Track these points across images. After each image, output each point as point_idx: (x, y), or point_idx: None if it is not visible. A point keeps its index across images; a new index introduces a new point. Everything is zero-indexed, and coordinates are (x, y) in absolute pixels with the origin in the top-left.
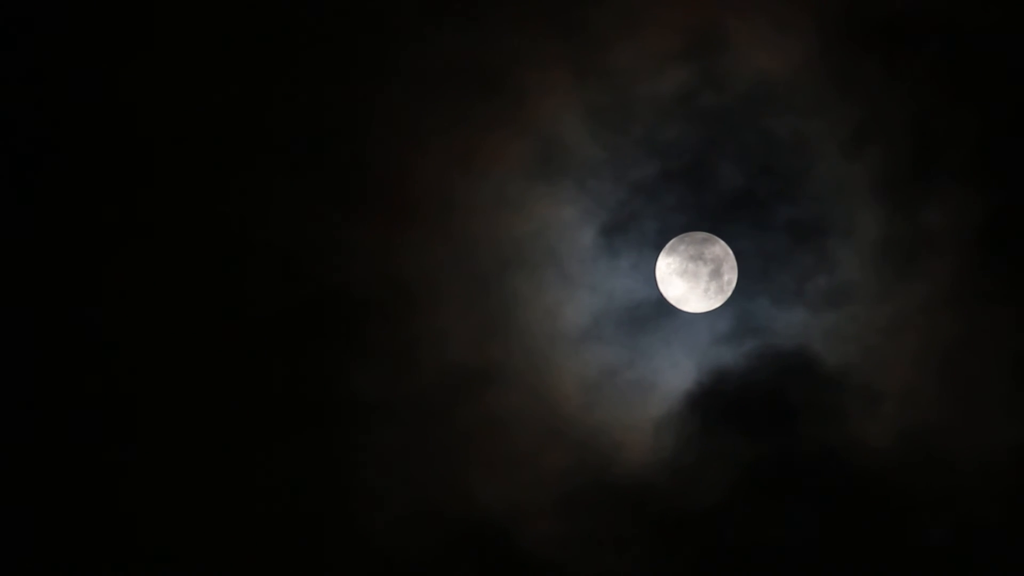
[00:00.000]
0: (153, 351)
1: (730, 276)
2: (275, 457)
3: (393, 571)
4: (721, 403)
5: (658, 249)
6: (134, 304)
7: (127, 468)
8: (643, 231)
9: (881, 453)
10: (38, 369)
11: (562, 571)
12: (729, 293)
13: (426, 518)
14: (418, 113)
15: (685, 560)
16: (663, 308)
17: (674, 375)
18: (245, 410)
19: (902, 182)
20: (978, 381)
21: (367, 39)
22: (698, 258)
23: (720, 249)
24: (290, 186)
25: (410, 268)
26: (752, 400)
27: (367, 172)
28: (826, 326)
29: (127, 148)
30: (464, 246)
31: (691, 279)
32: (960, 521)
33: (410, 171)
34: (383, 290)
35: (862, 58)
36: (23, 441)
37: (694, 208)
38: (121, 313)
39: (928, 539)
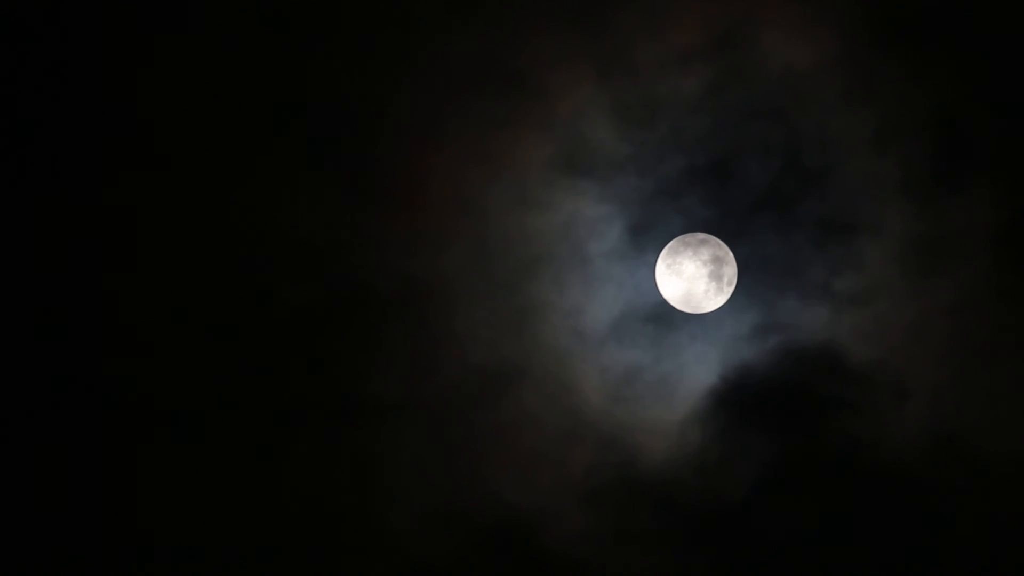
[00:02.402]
0: (174, 348)
1: (730, 276)
2: (297, 457)
3: (418, 570)
4: (747, 399)
5: (684, 246)
6: (155, 301)
7: (146, 466)
8: (668, 228)
9: (907, 449)
10: (57, 365)
11: (589, 568)
12: (729, 294)
13: (451, 517)
14: (441, 111)
15: (711, 556)
16: (685, 305)
17: (700, 372)
18: (267, 409)
19: (929, 180)
20: (1004, 378)
21: (392, 39)
22: (696, 259)
23: (720, 250)
24: (312, 185)
25: (433, 267)
26: (778, 396)
27: (389, 171)
28: (852, 323)
29: (149, 147)
30: (488, 244)
31: (690, 280)
32: (985, 517)
33: (433, 170)
34: (406, 289)
35: (889, 55)
36: (39, 438)
37: (720, 205)
38: (142, 310)
39: (954, 534)
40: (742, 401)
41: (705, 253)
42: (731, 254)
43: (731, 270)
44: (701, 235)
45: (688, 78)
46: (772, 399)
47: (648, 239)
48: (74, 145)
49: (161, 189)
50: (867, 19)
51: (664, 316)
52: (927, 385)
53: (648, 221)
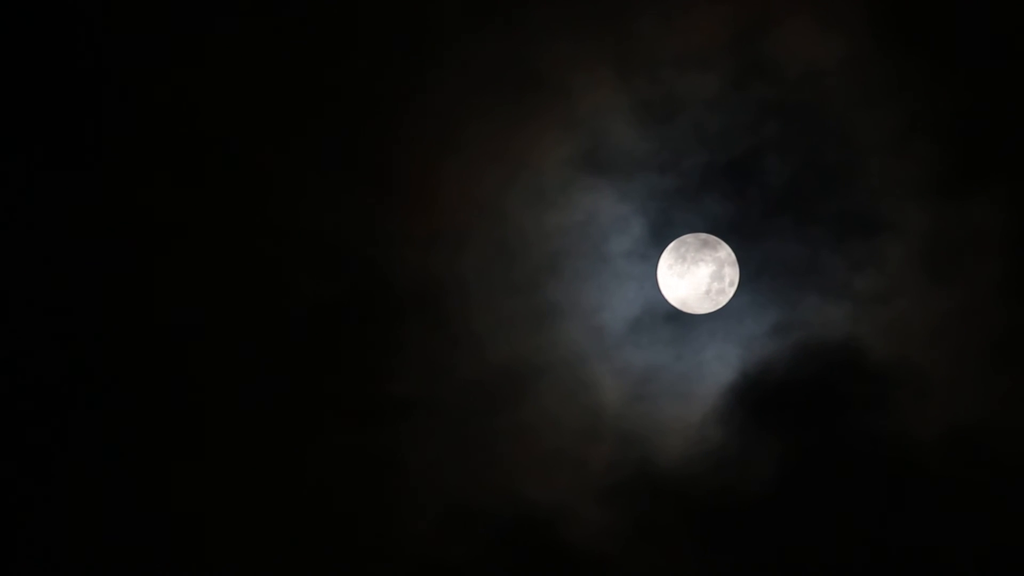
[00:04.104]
0: (189, 346)
1: (732, 278)
2: (315, 456)
3: (439, 570)
4: (766, 397)
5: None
6: (175, 299)
7: (161, 464)
8: (688, 226)
9: (926, 447)
10: (69, 362)
11: (610, 564)
12: (731, 294)
13: (471, 515)
14: (461, 110)
15: (730, 552)
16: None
17: (719, 369)
18: (284, 408)
19: (951, 177)
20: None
21: (412, 39)
22: (699, 260)
23: (722, 251)
24: (332, 183)
25: (451, 266)
26: (797, 394)
27: (409, 170)
28: (872, 321)
29: (171, 142)
30: (506, 243)
31: (692, 281)
32: (1004, 515)
33: (452, 169)
34: (424, 288)
35: (910, 53)
36: (64, 440)
37: (740, 202)
38: (161, 308)
39: (972, 532)
40: (761, 398)
41: (707, 254)
42: (734, 255)
43: (733, 271)
44: (703, 236)
45: (708, 76)
46: (791, 396)
47: (668, 238)
48: (105, 149)
49: (181, 187)
50: (888, 16)
51: (684, 314)
52: (947, 383)
53: (668, 219)
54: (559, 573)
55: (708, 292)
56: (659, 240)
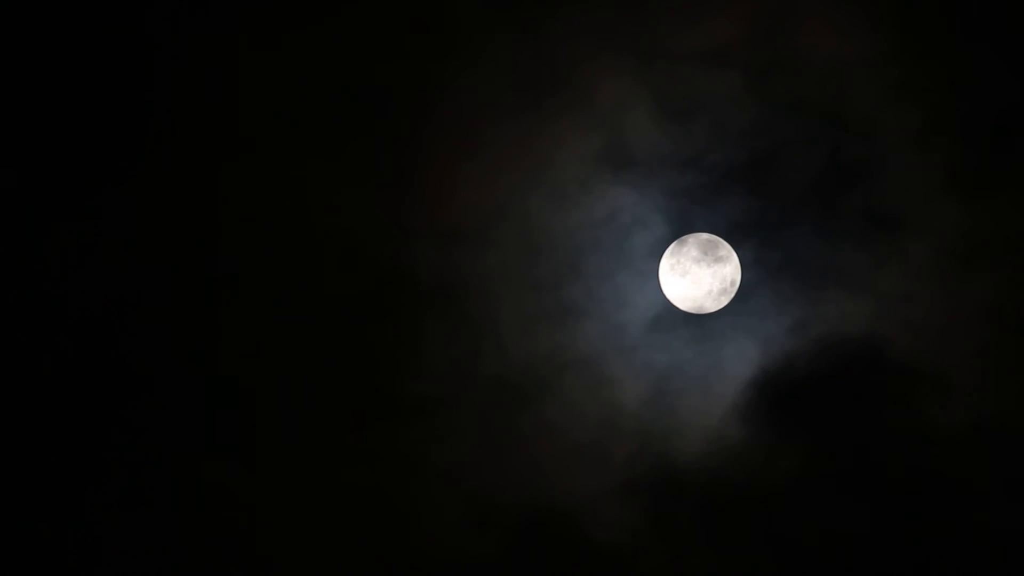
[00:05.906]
0: (208, 344)
1: (734, 278)
2: (339, 454)
3: (463, 564)
4: (788, 393)
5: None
6: (195, 298)
7: (182, 462)
8: (710, 224)
9: (949, 443)
10: (87, 367)
11: (631, 559)
12: (733, 294)
13: (494, 511)
14: (484, 108)
15: (753, 548)
16: (728, 298)
17: (741, 366)
18: (308, 405)
19: (973, 174)
20: None
21: (436, 37)
22: (700, 260)
23: (724, 251)
24: (357, 183)
25: (474, 263)
26: (819, 390)
27: (432, 169)
28: (895, 317)
29: (191, 143)
30: (529, 241)
31: (694, 281)
32: None
33: (475, 167)
34: (447, 286)
35: (934, 48)
36: (87, 437)
37: (762, 199)
38: (182, 307)
39: (1000, 527)
40: (782, 395)
41: (708, 255)
42: (735, 255)
43: (734, 271)
44: (705, 236)
45: (729, 74)
46: (813, 393)
47: (690, 233)
48: (128, 148)
49: (205, 187)
50: (910, 13)
51: (705, 311)
52: (969, 380)
53: (689, 217)
54: (581, 567)
55: (710, 292)
56: (682, 235)
